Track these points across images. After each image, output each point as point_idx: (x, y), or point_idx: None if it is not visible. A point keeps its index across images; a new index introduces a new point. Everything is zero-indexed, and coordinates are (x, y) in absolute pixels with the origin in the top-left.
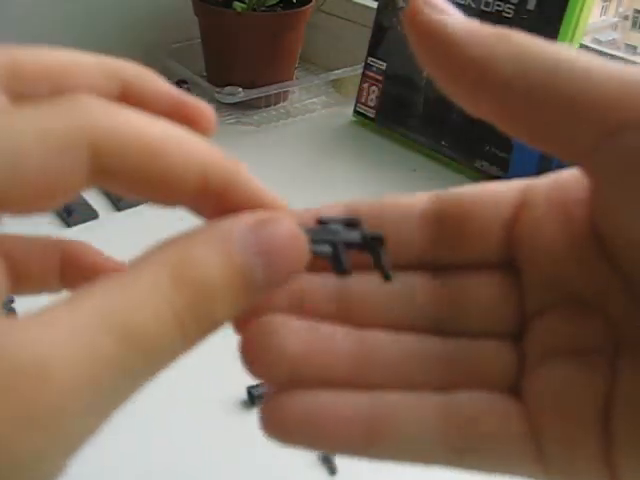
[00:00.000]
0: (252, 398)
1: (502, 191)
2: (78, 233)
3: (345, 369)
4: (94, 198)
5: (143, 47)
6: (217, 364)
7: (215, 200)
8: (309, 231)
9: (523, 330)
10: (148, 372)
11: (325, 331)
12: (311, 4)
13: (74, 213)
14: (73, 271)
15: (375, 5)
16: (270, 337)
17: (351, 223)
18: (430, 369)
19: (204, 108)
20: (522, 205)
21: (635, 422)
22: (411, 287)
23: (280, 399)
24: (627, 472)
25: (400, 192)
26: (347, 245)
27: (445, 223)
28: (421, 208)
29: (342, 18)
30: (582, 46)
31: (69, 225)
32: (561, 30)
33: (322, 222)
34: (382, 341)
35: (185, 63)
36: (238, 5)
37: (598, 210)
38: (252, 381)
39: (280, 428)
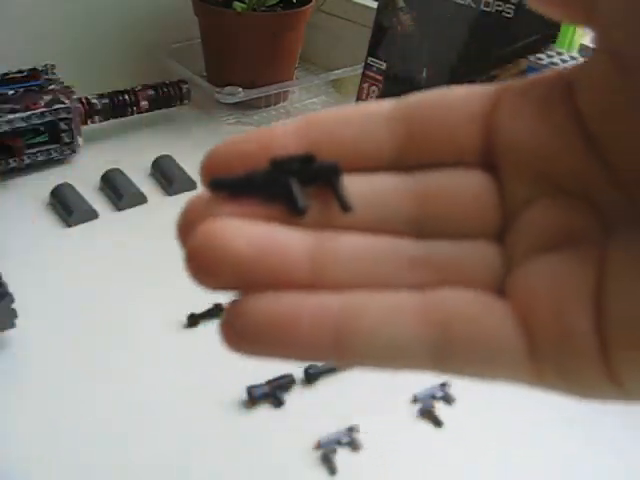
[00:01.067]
0: (252, 398)
1: (474, 90)
2: (78, 233)
3: (305, 269)
4: (94, 198)
5: (143, 47)
6: (217, 364)
7: None
8: (260, 175)
9: (506, 228)
10: None
11: (281, 233)
12: (311, 4)
13: (74, 213)
14: None
15: (375, 5)
16: (215, 239)
17: (306, 159)
18: (406, 270)
19: None
20: (497, 101)
21: (629, 306)
22: (382, 190)
23: (239, 305)
24: (624, 364)
25: None
26: (302, 182)
27: (414, 121)
28: (388, 110)
29: (342, 18)
30: (582, 46)
31: (69, 225)
32: (561, 30)
33: (276, 162)
34: (346, 241)
35: (185, 63)
36: (238, 5)
37: (589, 91)
38: (252, 381)
39: (241, 336)
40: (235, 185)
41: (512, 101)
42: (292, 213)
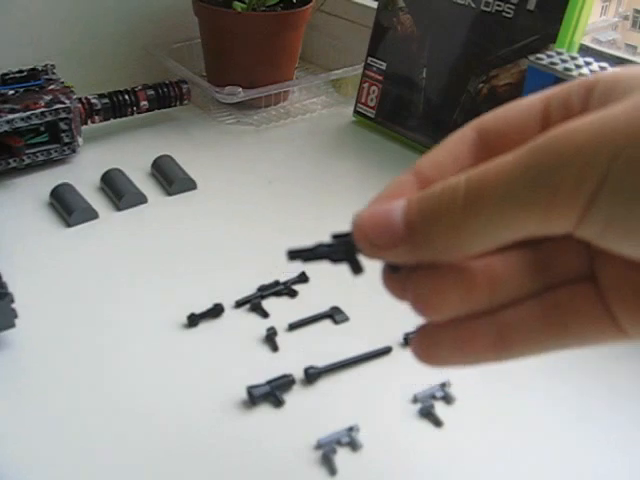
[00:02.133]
0: (252, 398)
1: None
2: (78, 233)
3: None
4: (94, 198)
5: (143, 47)
6: (217, 364)
7: None
8: (325, 245)
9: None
10: None
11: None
12: (311, 4)
13: (74, 213)
14: None
15: (375, 5)
16: None
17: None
18: (526, 278)
19: None
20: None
21: None
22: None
23: (426, 333)
24: None
25: None
26: (323, 252)
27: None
28: (540, 106)
29: (342, 18)
30: (582, 46)
31: (69, 225)
32: (561, 30)
33: (336, 235)
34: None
35: (185, 63)
36: (238, 5)
37: None
38: (252, 381)
39: (432, 357)
40: (308, 254)
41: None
42: (355, 273)
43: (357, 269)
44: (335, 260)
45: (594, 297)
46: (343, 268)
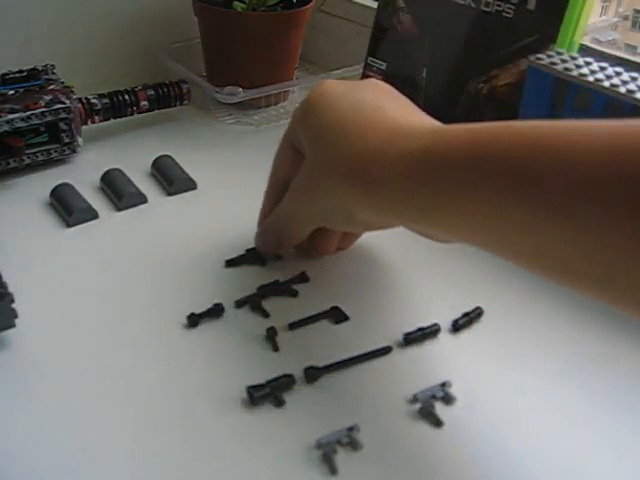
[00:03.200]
0: (252, 398)
1: None
2: (78, 233)
3: None
4: (94, 198)
5: (143, 47)
6: (217, 364)
7: None
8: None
9: None
10: None
11: None
12: (311, 4)
13: (74, 213)
14: None
15: (375, 5)
16: None
17: None
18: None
19: None
20: None
21: None
22: None
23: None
24: None
25: None
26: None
27: None
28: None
29: (342, 18)
30: (582, 46)
31: (69, 225)
32: (561, 30)
33: None
34: None
35: (185, 63)
36: (238, 5)
37: None
38: (252, 381)
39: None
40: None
41: None
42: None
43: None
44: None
45: None
46: (343, 268)
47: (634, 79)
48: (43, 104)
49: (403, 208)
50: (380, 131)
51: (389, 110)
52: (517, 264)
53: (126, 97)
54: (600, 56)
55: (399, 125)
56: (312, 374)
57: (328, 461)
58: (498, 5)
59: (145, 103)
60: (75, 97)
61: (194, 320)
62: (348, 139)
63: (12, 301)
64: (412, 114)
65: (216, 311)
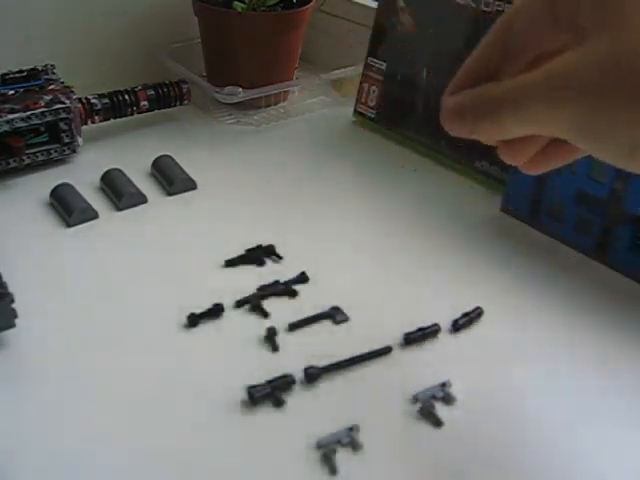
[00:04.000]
0: (252, 398)
1: None
2: (78, 233)
3: None
4: (94, 198)
5: (143, 47)
6: (217, 364)
7: None
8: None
9: None
10: None
11: None
12: (311, 4)
13: (74, 213)
14: None
15: (375, 5)
16: None
17: None
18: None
19: None
20: None
21: None
22: None
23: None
24: None
25: (400, 192)
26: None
27: None
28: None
29: (342, 18)
30: None
31: (69, 225)
32: None
33: None
34: None
35: (185, 63)
36: (238, 5)
37: None
38: (252, 381)
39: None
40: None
41: None
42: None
43: None
44: None
45: None
46: (343, 268)
47: None
48: (43, 104)
49: None
50: None
51: None
52: None
53: (126, 97)
54: None
55: None
56: (312, 374)
57: (328, 461)
58: (498, 5)
59: (145, 103)
60: (75, 97)
61: (194, 320)
62: None
63: (12, 301)
64: None
65: (216, 311)
